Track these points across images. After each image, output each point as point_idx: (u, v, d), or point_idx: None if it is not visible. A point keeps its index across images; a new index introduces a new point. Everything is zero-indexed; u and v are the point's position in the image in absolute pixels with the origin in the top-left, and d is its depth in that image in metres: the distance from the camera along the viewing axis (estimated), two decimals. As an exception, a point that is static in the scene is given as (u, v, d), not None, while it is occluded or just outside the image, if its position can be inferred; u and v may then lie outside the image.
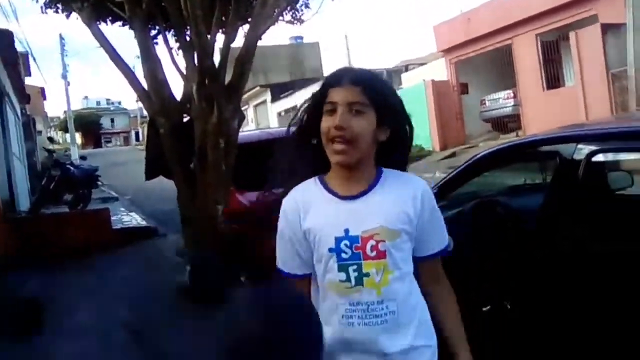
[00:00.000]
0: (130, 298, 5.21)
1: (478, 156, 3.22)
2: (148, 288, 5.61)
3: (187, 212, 4.89)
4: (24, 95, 16.95)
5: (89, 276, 6.53)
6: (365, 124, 1.36)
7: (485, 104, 16.89)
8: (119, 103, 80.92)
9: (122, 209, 12.34)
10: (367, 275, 1.37)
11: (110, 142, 71.41)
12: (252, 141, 6.83)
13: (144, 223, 10.02)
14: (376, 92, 1.38)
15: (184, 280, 5.48)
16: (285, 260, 1.48)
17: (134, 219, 10.61)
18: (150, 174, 5.46)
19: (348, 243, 1.37)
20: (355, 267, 1.37)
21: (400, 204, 1.40)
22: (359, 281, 1.37)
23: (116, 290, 5.59)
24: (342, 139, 1.35)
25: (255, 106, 30.39)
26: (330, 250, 1.38)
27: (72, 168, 11.09)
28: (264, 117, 29.47)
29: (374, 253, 1.36)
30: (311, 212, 1.42)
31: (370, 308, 1.37)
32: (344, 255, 1.37)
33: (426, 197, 1.43)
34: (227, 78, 4.81)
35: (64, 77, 30.54)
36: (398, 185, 1.43)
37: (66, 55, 30.39)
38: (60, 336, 4.20)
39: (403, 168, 1.49)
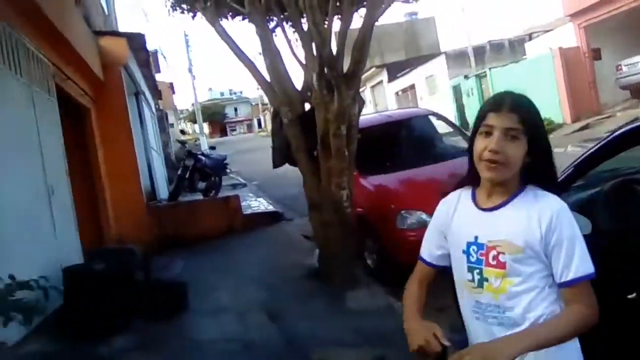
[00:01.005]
0: (264, 279, 5.49)
1: (621, 131, 2.95)
2: (279, 270, 5.88)
3: (313, 197, 5.03)
4: (156, 92, 18.39)
5: (223, 259, 6.98)
6: (518, 150, 1.48)
7: (621, 69, 15.45)
8: (241, 92, 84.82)
9: (250, 194, 12.98)
10: (487, 280, 1.53)
11: (234, 130, 75.25)
12: (372, 125, 6.87)
13: (271, 208, 10.45)
14: (531, 120, 1.50)
15: (312, 263, 5.68)
16: (428, 248, 1.72)
17: (262, 204, 11.11)
18: (277, 162, 5.69)
19: (475, 249, 1.55)
20: (478, 270, 1.55)
21: (528, 222, 1.49)
22: (480, 284, 1.55)
23: (250, 272, 5.92)
24: (495, 162, 1.48)
25: (372, 87, 30.30)
26: (463, 252, 1.58)
27: (203, 158, 11.85)
28: (382, 97, 29.30)
29: (495, 262, 1.52)
30: (456, 216, 1.64)
31: (489, 309, 1.55)
32: (471, 259, 1.56)
33: (556, 221, 1.46)
34: (345, 64, 4.83)
35: (190, 71, 32.58)
36: (532, 203, 1.51)
37: (190, 50, 32.39)
38: (203, 315, 4.55)
39: (549, 186, 1.54)
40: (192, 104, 41.21)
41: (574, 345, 1.54)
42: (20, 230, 4.45)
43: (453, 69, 22.17)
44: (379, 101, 29.22)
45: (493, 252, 1.51)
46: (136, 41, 9.69)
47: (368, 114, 8.44)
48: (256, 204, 11.15)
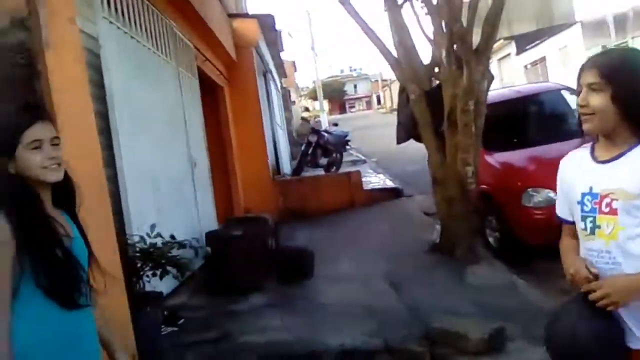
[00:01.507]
0: (385, 252, 5.65)
1: None
2: (400, 243, 6.00)
3: (438, 173, 5.07)
4: (282, 70, 19.10)
5: (345, 232, 7.24)
6: (601, 101, 1.59)
7: None
8: (360, 69, 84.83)
9: (370, 170, 13.16)
10: (599, 227, 1.64)
11: (353, 107, 75.70)
12: (500, 101, 6.69)
13: (391, 184, 10.56)
14: (612, 72, 1.59)
15: (433, 238, 5.74)
16: (561, 207, 1.83)
17: (382, 180, 11.25)
18: (401, 138, 5.77)
19: (590, 198, 1.66)
20: (591, 219, 1.66)
21: None
22: (593, 231, 1.65)
23: (371, 244, 6.11)
24: (585, 114, 1.62)
25: (499, 60, 28.91)
26: (577, 202, 1.69)
27: (326, 134, 12.23)
28: (509, 71, 27.90)
29: (607, 209, 1.61)
30: (575, 170, 1.75)
31: (600, 255, 1.64)
32: (585, 208, 1.67)
33: None
34: (475, 37, 4.77)
35: (312, 49, 33.25)
36: None
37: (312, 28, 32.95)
38: (328, 281, 4.82)
39: None
40: (313, 82, 42.09)
41: None
42: (172, 198, 4.99)
43: (590, 39, 20.53)
44: (505, 75, 27.85)
45: (606, 200, 1.61)
46: (266, 22, 10.17)
47: (495, 89, 8.20)
48: (376, 180, 11.30)
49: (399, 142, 5.84)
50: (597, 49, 19.71)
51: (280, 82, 20.50)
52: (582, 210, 1.69)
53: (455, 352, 3.20)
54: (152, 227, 3.52)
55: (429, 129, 5.07)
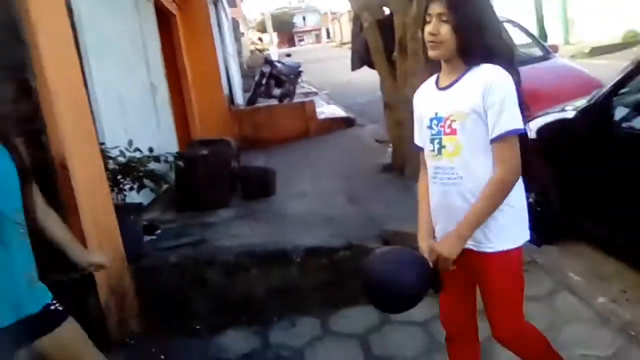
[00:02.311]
0: (341, 172, 6.07)
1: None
2: (355, 166, 6.44)
3: (390, 98, 5.44)
4: (232, 0, 18.70)
5: (302, 157, 7.61)
6: (446, 29, 1.77)
7: None
8: (306, 1, 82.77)
9: (322, 102, 13.41)
10: (444, 147, 1.83)
11: (302, 40, 74.43)
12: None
13: (343, 114, 10.91)
14: (457, 3, 1.77)
15: (386, 162, 6.20)
16: (417, 135, 2.04)
17: (334, 110, 11.58)
18: (356, 65, 6.07)
19: (436, 122, 1.85)
20: (437, 140, 1.84)
21: (473, 92, 1.77)
22: (439, 151, 1.84)
23: (328, 167, 6.52)
24: (433, 42, 1.80)
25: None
26: (427, 127, 1.89)
27: (279, 65, 12.32)
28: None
29: (449, 130, 1.81)
30: (423, 98, 1.96)
31: (445, 172, 1.84)
32: (432, 132, 1.86)
33: (494, 85, 1.74)
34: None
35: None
36: (476, 76, 1.79)
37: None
38: (290, 197, 5.22)
39: (486, 60, 1.80)
40: (262, 13, 41.16)
41: (517, 204, 1.87)
42: (137, 121, 5.19)
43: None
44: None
45: (448, 122, 1.81)
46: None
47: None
48: (329, 111, 11.60)
49: (353, 69, 6.14)
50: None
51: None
52: (431, 134, 1.86)
53: (404, 249, 3.70)
54: (130, 142, 3.78)
55: (382, 56, 5.39)
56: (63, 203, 3.20)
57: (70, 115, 3.11)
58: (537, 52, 7.32)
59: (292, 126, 9.63)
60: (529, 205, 4.28)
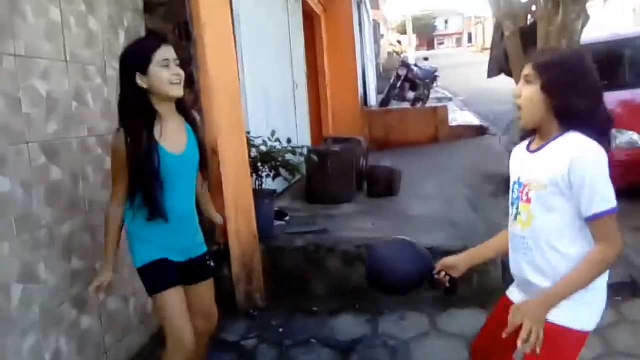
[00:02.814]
0: (466, 180, 6.07)
1: None
2: (480, 174, 6.39)
3: (524, 108, 5.34)
4: (375, 2, 19.03)
5: (429, 161, 7.67)
6: (531, 93, 1.68)
7: None
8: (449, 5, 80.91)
9: (456, 108, 13.26)
10: (520, 214, 1.75)
11: (442, 43, 73.13)
12: (597, 42, 6.71)
13: (476, 122, 10.73)
14: (546, 67, 1.67)
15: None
16: None
17: (467, 118, 11.42)
18: (493, 72, 6.02)
19: (517, 187, 1.78)
20: (515, 205, 1.77)
21: (557, 163, 1.64)
22: (515, 217, 1.77)
23: (453, 173, 6.53)
24: (517, 105, 1.73)
25: (605, 1, 26.98)
26: (512, 190, 1.81)
27: (415, 68, 12.38)
28: (615, 13, 26.05)
29: (525, 198, 1.73)
30: (515, 160, 1.87)
31: (517, 240, 1.77)
32: (513, 196, 1.80)
33: (583, 162, 1.60)
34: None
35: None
36: (561, 147, 1.66)
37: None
38: (414, 198, 5.35)
39: (589, 131, 1.67)
40: (403, 15, 41.17)
41: (600, 286, 1.70)
42: (278, 114, 5.64)
43: None
44: (612, 17, 26.02)
45: (526, 189, 1.72)
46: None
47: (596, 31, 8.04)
48: (462, 117, 11.47)
49: (489, 76, 6.09)
50: None
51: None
52: (512, 198, 1.80)
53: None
54: (272, 132, 4.17)
55: (521, 65, 5.29)
56: (210, 184, 3.65)
57: (225, 105, 3.54)
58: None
59: (422, 130, 9.69)
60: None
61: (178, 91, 2.10)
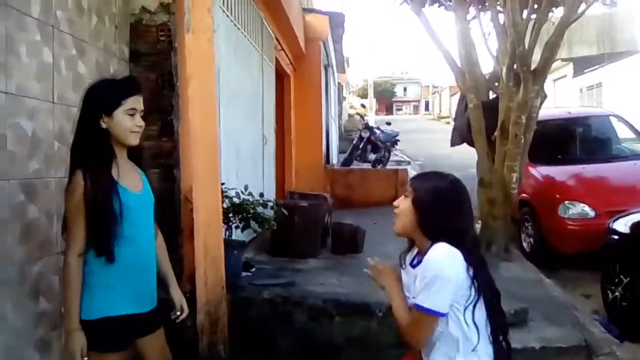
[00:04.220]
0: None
1: None
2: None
3: (485, 176, 5.61)
4: (341, 66, 19.71)
5: (388, 220, 7.79)
6: (405, 205, 1.92)
7: None
8: (407, 73, 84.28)
9: (414, 172, 13.65)
10: None
11: (400, 109, 75.54)
12: (551, 119, 7.19)
13: (435, 185, 10.99)
14: (418, 183, 1.95)
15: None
16: None
17: (426, 181, 11.70)
18: (455, 141, 6.34)
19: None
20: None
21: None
22: None
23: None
24: (395, 214, 1.98)
25: (555, 80, 28.68)
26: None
27: (378, 131, 12.81)
28: (564, 92, 27.72)
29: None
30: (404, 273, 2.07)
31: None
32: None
33: (430, 261, 1.79)
34: (534, 57, 5.27)
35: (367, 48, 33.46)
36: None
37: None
38: (377, 256, 5.39)
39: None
40: (365, 80, 42.54)
41: None
42: (247, 167, 5.72)
43: (650, 71, 20.34)
44: (561, 96, 27.68)
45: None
46: (336, 19, 10.79)
47: (549, 108, 8.62)
48: (420, 181, 11.75)
49: (452, 144, 6.40)
50: (656, 81, 19.57)
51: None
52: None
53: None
54: (246, 187, 4.24)
55: (482, 136, 5.62)
56: (182, 229, 3.66)
57: (203, 155, 3.61)
58: (640, 148, 7.25)
59: (382, 191, 9.89)
60: (615, 298, 4.30)
61: (135, 140, 2.10)
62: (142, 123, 2.11)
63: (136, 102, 2.08)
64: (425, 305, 1.76)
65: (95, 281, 2.03)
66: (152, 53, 3.59)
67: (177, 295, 2.36)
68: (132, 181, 2.14)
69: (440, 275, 1.75)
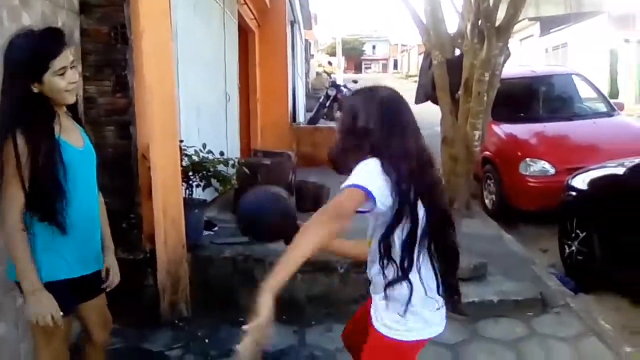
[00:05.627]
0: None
1: None
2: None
3: (448, 133, 5.62)
4: (308, 23, 19.36)
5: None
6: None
7: None
8: (376, 32, 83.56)
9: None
10: None
11: (369, 68, 75.14)
12: (514, 77, 7.22)
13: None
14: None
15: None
16: None
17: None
18: (420, 99, 6.31)
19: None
20: None
21: None
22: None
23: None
24: None
25: (522, 40, 28.87)
26: None
27: (345, 89, 12.69)
28: (530, 51, 27.92)
29: None
30: None
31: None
32: None
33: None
34: (499, 15, 5.24)
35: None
36: None
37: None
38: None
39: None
40: (333, 38, 41.98)
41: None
42: (209, 125, 5.60)
43: (615, 31, 20.64)
44: (527, 55, 27.88)
45: None
46: (302, -28, 10.51)
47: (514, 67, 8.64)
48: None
49: (417, 102, 6.36)
50: (620, 42, 19.92)
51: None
52: None
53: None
54: (204, 145, 4.14)
55: (446, 93, 5.61)
56: (139, 188, 3.59)
57: (160, 112, 3.50)
58: (601, 107, 7.36)
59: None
60: (571, 253, 4.43)
61: (72, 98, 1.98)
62: (76, 77, 1.97)
63: (64, 59, 1.91)
64: (348, 183, 1.66)
65: (38, 245, 1.92)
66: (103, 4, 3.44)
67: (109, 261, 2.23)
68: (73, 136, 2.03)
69: (364, 165, 1.69)
